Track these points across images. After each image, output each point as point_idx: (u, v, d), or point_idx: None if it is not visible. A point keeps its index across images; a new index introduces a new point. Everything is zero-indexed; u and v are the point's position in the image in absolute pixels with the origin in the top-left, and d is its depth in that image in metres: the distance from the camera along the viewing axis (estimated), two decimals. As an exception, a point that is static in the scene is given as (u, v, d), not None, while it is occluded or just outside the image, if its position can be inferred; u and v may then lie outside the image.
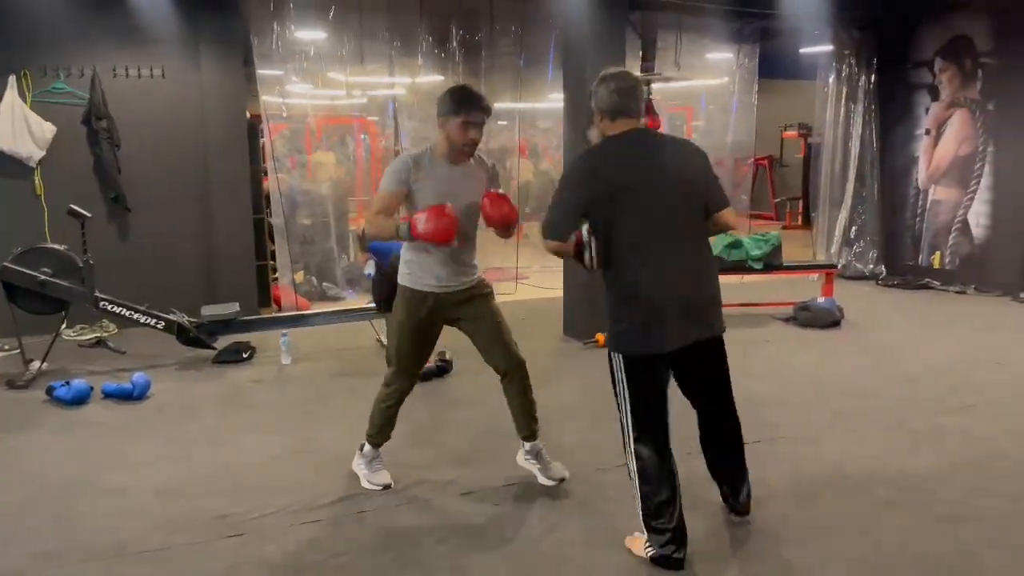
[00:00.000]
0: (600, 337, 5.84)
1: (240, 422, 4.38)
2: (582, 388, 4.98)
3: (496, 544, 2.98)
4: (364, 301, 7.37)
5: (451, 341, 3.87)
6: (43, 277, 5.04)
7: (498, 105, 9.61)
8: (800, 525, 3.12)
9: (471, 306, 3.36)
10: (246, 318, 5.91)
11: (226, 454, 3.91)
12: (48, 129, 6.11)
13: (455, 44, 7.99)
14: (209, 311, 5.77)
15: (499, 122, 9.85)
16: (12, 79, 5.98)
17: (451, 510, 3.29)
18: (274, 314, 6.87)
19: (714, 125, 10.39)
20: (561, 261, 6.59)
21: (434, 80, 8.53)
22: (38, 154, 6.11)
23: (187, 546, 2.99)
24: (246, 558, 2.89)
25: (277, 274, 7.49)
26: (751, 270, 6.64)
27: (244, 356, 5.57)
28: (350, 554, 2.92)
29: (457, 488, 3.47)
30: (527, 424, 3.48)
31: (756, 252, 6.60)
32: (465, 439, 4.11)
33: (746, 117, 9.74)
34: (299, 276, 7.81)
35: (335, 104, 8.49)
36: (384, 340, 5.90)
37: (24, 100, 6.04)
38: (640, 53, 8.09)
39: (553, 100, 9.18)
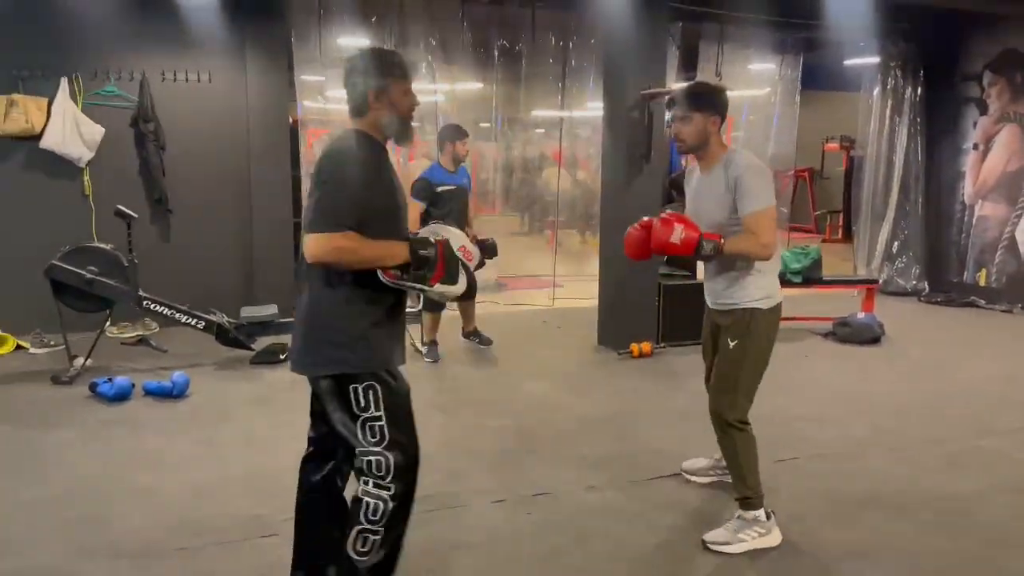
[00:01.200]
0: (635, 347, 5.81)
1: (275, 423, 4.42)
2: (615, 398, 4.95)
3: (528, 554, 2.97)
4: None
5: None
6: (89, 275, 5.15)
7: (537, 113, 9.65)
8: (837, 545, 3.06)
9: None
10: (284, 320, 5.98)
11: (260, 455, 3.95)
12: (97, 131, 6.26)
13: (495, 52, 8.02)
14: (248, 312, 5.86)
15: (536, 130, 9.88)
16: (64, 82, 6.14)
17: (484, 519, 3.28)
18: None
19: (755, 136, 10.28)
20: (596, 270, 6.58)
21: (473, 88, 8.58)
22: (87, 155, 6.27)
23: (220, 545, 3.03)
24: (278, 559, 2.90)
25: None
26: (789, 283, 6.55)
27: (281, 358, 5.63)
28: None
29: (489, 496, 3.46)
30: None
31: (795, 265, 6.51)
32: (496, 447, 4.10)
33: (787, 129, 9.62)
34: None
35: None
36: (419, 345, 5.94)
37: (75, 103, 6.20)
38: (678, 63, 8.06)
39: (591, 109, 9.18)
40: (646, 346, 5.83)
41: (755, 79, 9.48)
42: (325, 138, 7.94)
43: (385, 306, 2.39)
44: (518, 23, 7.83)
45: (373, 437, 2.36)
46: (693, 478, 3.60)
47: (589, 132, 10.12)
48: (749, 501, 3.03)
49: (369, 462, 2.36)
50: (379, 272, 2.32)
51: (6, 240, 6.16)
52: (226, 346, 5.61)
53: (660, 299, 6.03)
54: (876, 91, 8.75)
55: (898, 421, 4.49)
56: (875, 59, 8.69)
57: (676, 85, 7.20)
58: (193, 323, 5.50)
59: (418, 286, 2.35)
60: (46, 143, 6.09)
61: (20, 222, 6.16)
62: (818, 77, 9.89)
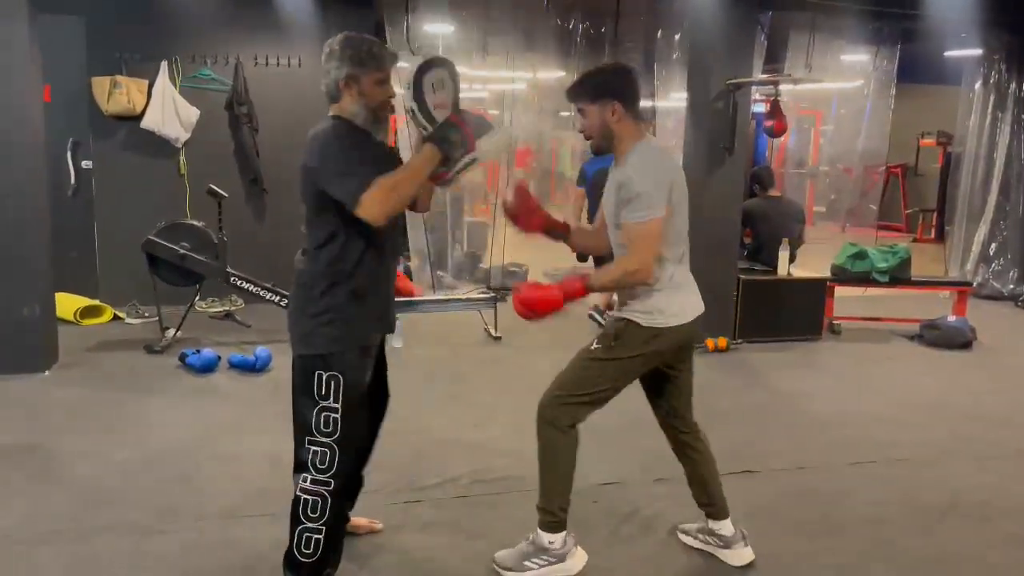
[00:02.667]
0: (710, 342, 5.72)
1: (351, 400, 4.55)
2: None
3: (595, 540, 2.98)
4: (475, 290, 7.51)
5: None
6: (182, 251, 5.39)
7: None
8: (915, 553, 2.97)
9: None
10: (362, 300, 6.13)
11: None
12: (193, 113, 6.52)
13: (579, 39, 7.98)
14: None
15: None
16: (164, 65, 6.42)
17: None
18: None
19: (844, 130, 9.96)
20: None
21: (554, 75, 8.56)
22: (184, 136, 6.54)
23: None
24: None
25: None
26: (876, 283, 6.34)
27: (358, 337, 5.77)
28: (446, 537, 2.99)
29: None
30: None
31: (882, 264, 6.29)
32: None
33: (880, 123, 9.28)
34: (415, 263, 8.02)
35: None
36: (493, 332, 6.01)
37: (174, 85, 6.47)
38: (765, 54, 7.85)
39: (675, 99, 9.04)
40: (722, 341, 5.74)
41: (847, 71, 9.16)
42: (404, 126, 8.08)
43: (369, 281, 2.39)
44: (603, 11, 7.76)
45: (326, 428, 2.35)
46: (683, 537, 3.03)
47: (673, 123, 9.98)
48: (548, 520, 2.69)
49: (315, 452, 2.36)
50: (432, 180, 2.38)
51: (107, 215, 6.49)
52: (307, 324, 5.78)
53: (738, 293, 5.92)
54: (977, 85, 8.33)
55: (985, 429, 4.31)
56: (977, 52, 8.27)
57: (762, 75, 7.03)
58: (277, 300, 5.69)
59: (469, 159, 2.35)
60: (146, 123, 6.38)
61: (120, 198, 6.48)
62: (915, 69, 9.49)
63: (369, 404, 2.61)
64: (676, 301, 2.62)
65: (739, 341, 5.88)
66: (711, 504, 2.87)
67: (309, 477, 2.37)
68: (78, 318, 5.92)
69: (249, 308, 6.39)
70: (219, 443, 3.85)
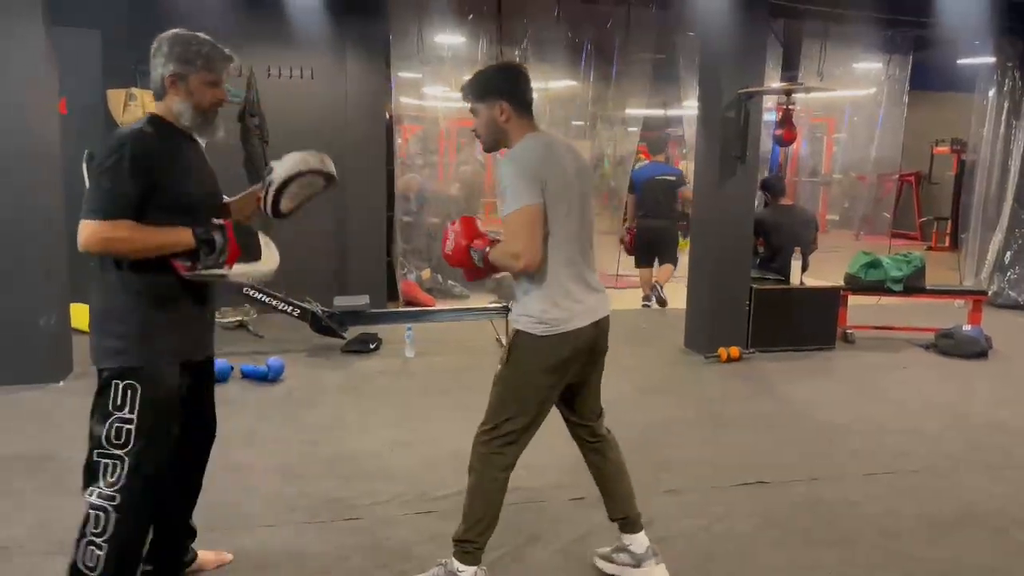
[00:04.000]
0: (723, 351, 5.70)
1: (363, 410, 4.56)
2: (701, 402, 4.87)
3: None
4: (486, 300, 7.52)
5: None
6: (195, 261, 5.42)
7: (630, 111, 9.56)
8: (929, 564, 2.94)
9: None
10: (375, 310, 6.16)
11: (348, 440, 4.08)
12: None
13: (589, 49, 8.00)
14: (341, 302, 6.05)
15: (629, 129, 9.80)
16: (178, 77, 6.47)
17: (562, 515, 3.30)
18: (400, 308, 7.12)
19: (858, 138, 9.92)
20: (686, 272, 6.50)
21: (566, 84, 8.58)
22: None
23: (304, 525, 3.14)
24: (360, 542, 3.01)
25: (405, 270, 7.75)
26: (890, 292, 6.30)
27: (371, 347, 5.80)
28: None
29: (567, 493, 3.47)
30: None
31: (896, 273, 6.25)
32: (574, 444, 4.09)
33: (893, 131, 9.24)
34: (426, 273, 8.05)
35: (466, 107, 8.68)
36: (504, 339, 6.01)
37: (187, 97, 6.52)
38: (781, 62, 7.86)
39: (685, 107, 9.04)
40: (734, 350, 5.71)
41: (860, 79, 9.14)
42: (414, 135, 8.12)
43: (169, 294, 2.29)
44: (614, 20, 7.78)
45: (118, 439, 2.24)
46: (600, 563, 2.88)
47: (682, 131, 9.98)
48: (464, 549, 2.58)
49: (104, 465, 2.25)
50: (173, 266, 2.24)
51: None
52: (319, 334, 5.81)
53: (751, 303, 5.90)
54: (991, 93, 8.28)
55: (1000, 439, 4.26)
56: (991, 59, 8.23)
57: (775, 84, 7.02)
58: (289, 310, 5.72)
59: (215, 272, 2.24)
60: (160, 135, 6.43)
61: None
62: (928, 77, 9.46)
63: (186, 433, 2.48)
64: (563, 306, 2.47)
65: (752, 350, 5.85)
66: (624, 517, 2.77)
67: (95, 491, 2.25)
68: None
69: (261, 319, 6.41)
70: (231, 453, 3.84)
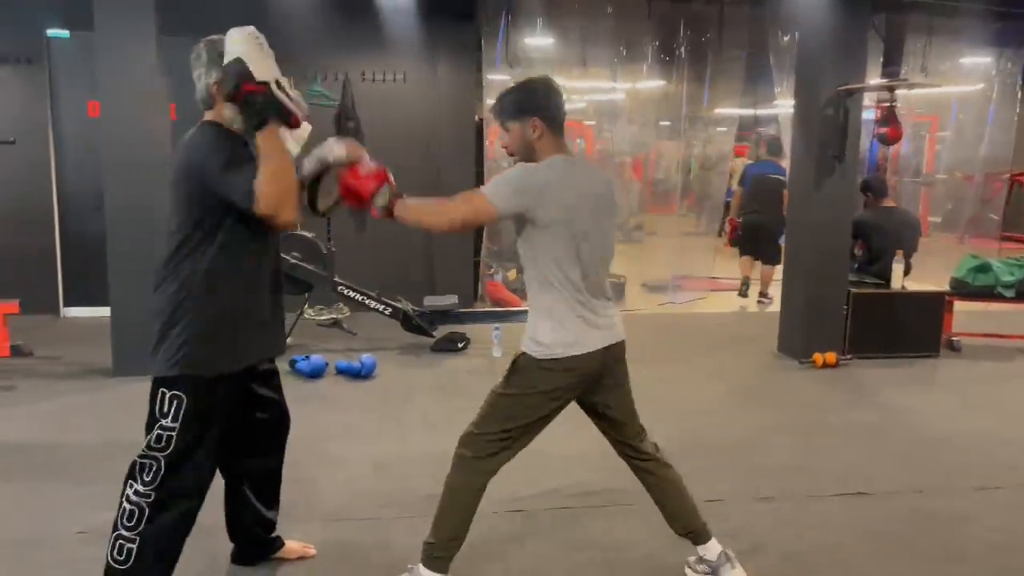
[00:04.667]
0: (818, 357, 5.52)
1: (453, 408, 4.61)
2: (795, 409, 4.73)
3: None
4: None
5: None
6: (293, 260, 5.61)
7: (720, 111, 9.39)
8: (1045, 587, 2.78)
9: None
10: (463, 310, 6.24)
11: (438, 438, 4.13)
12: (305, 128, 6.77)
13: (681, 49, 7.89)
14: (430, 301, 6.15)
15: (719, 128, 9.62)
16: (278, 83, 6.71)
17: (651, 518, 3.25)
18: (487, 308, 7.18)
19: (965, 136, 9.46)
20: (781, 274, 6.33)
21: (655, 85, 8.49)
22: (295, 150, 6.73)
23: (397, 520, 3.20)
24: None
25: (492, 270, 7.82)
26: (1001, 298, 5.97)
27: (459, 346, 5.87)
28: (547, 547, 2.99)
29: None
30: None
31: (1008, 278, 5.92)
32: (667, 449, 4.04)
33: (1004, 128, 8.77)
34: (512, 274, 8.09)
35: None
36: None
37: (287, 102, 6.75)
38: (882, 58, 7.56)
39: (778, 106, 8.81)
40: (830, 356, 5.53)
41: (968, 74, 8.70)
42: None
43: (226, 305, 2.30)
44: (705, 19, 7.66)
45: (158, 444, 2.28)
46: (688, 572, 2.84)
47: (773, 130, 9.73)
48: (432, 556, 2.54)
49: (142, 465, 2.29)
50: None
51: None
52: (409, 332, 5.92)
53: (849, 307, 5.70)
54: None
55: None
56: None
57: (876, 80, 6.76)
58: (381, 309, 5.85)
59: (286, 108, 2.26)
60: (260, 139, 6.68)
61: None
62: (1044, 71, 8.92)
63: (259, 431, 2.59)
64: (568, 332, 2.44)
65: (849, 356, 5.64)
66: (691, 531, 2.72)
67: (134, 487, 2.30)
68: (197, 324, 6.24)
69: (354, 316, 6.58)
70: (327, 447, 3.98)
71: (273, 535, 2.81)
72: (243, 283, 2.35)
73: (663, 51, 7.91)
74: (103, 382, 4.93)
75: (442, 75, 7.00)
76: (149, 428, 2.31)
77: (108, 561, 2.31)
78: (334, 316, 6.63)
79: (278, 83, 2.29)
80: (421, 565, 2.56)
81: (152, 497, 2.28)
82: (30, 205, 6.66)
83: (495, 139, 7.92)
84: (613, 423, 2.69)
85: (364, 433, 4.17)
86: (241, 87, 2.19)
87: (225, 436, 2.47)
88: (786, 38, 7.77)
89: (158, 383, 2.30)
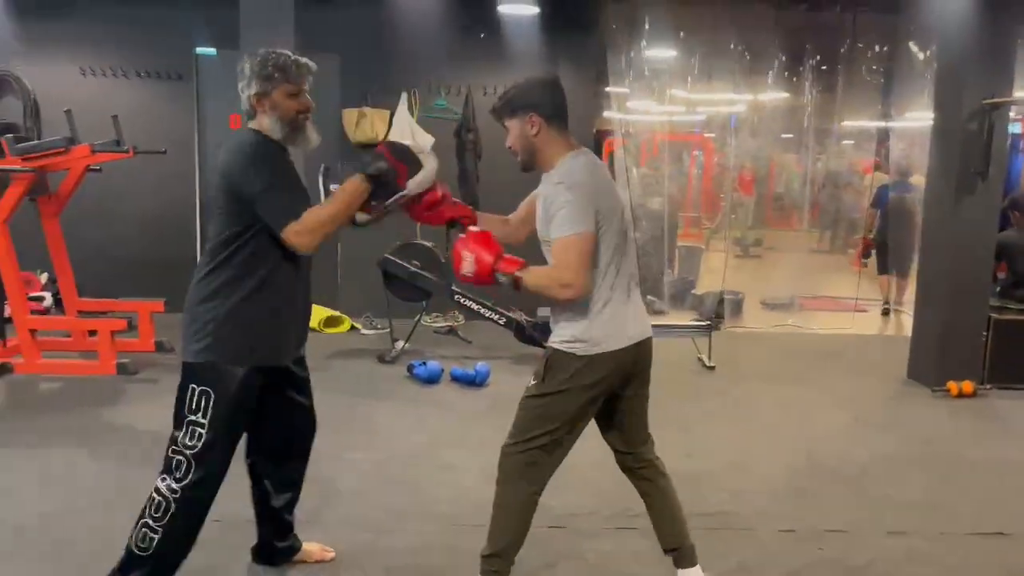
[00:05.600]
0: (953, 385, 5.20)
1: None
2: (928, 440, 4.47)
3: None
4: (687, 317, 7.38)
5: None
6: (413, 269, 5.78)
7: (847, 124, 9.02)
8: None
9: None
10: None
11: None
12: (428, 140, 6.97)
13: (810, 60, 7.65)
14: (545, 312, 6.17)
15: (845, 141, 9.25)
16: (404, 96, 6.95)
17: (769, 546, 3.16)
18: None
19: None
20: (903, 296, 6.01)
21: (779, 97, 8.25)
22: (420, 186, 7.00)
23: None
24: (563, 550, 3.05)
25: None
26: None
27: (571, 359, 5.87)
28: (659, 568, 2.94)
29: (776, 523, 3.32)
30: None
31: None
32: (786, 473, 3.91)
33: None
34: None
35: (675, 120, 8.59)
36: (707, 360, 5.87)
37: (412, 114, 6.98)
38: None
39: (911, 119, 8.39)
40: (967, 385, 5.19)
41: None
42: (620, 149, 8.13)
43: (255, 302, 2.36)
44: (836, 29, 7.39)
45: (191, 440, 2.35)
46: None
47: (903, 144, 9.29)
48: (491, 567, 2.52)
49: (177, 462, 2.37)
50: (359, 215, 2.36)
51: (349, 233, 7.07)
52: (522, 343, 5.96)
53: (989, 333, 5.34)
54: None
55: None
56: None
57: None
58: (495, 319, 5.93)
59: (400, 195, 2.33)
60: (385, 150, 6.92)
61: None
62: None
63: (286, 430, 2.65)
64: (607, 327, 2.40)
65: (988, 386, 5.29)
66: (675, 548, 2.65)
67: (168, 479, 2.39)
68: (321, 327, 6.53)
69: (469, 325, 6.69)
70: (441, 452, 4.06)
71: (289, 540, 2.85)
72: (275, 287, 2.42)
73: (790, 62, 7.68)
74: None
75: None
76: (178, 421, 2.39)
77: (130, 546, 2.41)
78: (450, 324, 6.77)
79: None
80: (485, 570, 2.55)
81: (180, 494, 2.37)
82: (175, 212, 7.13)
83: (610, 150, 7.91)
84: (626, 426, 2.64)
85: (477, 441, 4.23)
86: (386, 154, 2.37)
87: (256, 435, 2.61)
88: (924, 48, 7.40)
89: (187, 377, 2.40)
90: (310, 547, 2.91)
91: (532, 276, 2.37)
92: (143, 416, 4.43)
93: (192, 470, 2.37)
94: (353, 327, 6.76)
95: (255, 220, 2.33)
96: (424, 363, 5.29)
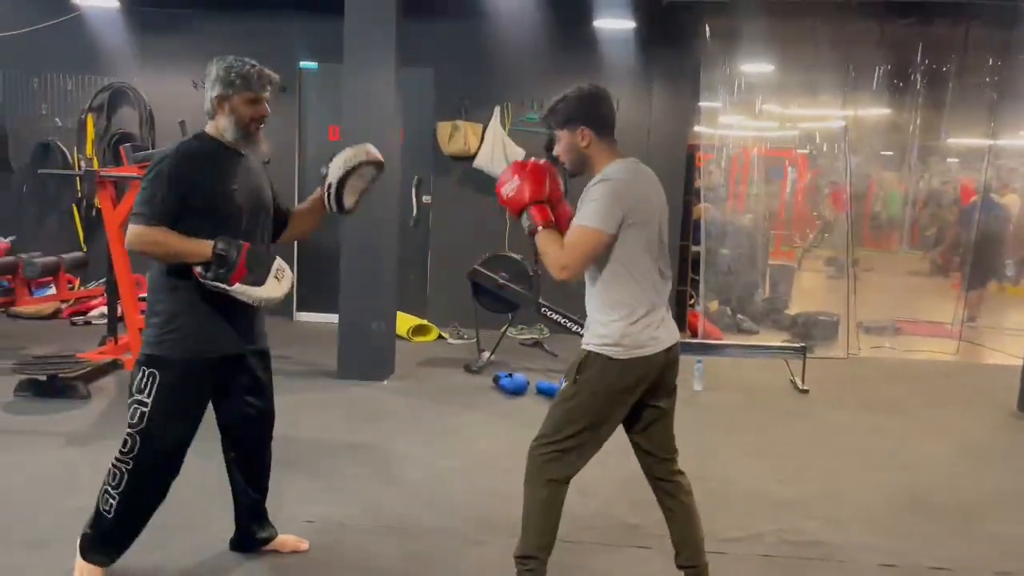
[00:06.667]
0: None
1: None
2: (1038, 476, 4.23)
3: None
4: (780, 338, 7.19)
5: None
6: (502, 280, 5.83)
7: (953, 141, 8.63)
8: None
9: None
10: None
11: (635, 466, 3.97)
12: (519, 154, 7.04)
13: (917, 75, 7.36)
14: (631, 328, 6.12)
15: (950, 159, 8.85)
16: (497, 110, 7.04)
17: (866, 578, 3.05)
18: (689, 340, 7.03)
19: None
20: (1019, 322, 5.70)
21: (881, 113, 7.97)
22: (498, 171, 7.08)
23: (595, 545, 3.20)
24: (651, 570, 3.02)
25: (693, 300, 7.66)
26: None
27: (657, 375, 5.80)
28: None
29: (876, 556, 3.20)
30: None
31: None
32: (885, 504, 3.76)
33: None
34: (713, 305, 7.88)
35: (768, 136, 8.41)
36: (800, 383, 5.70)
37: (503, 128, 7.06)
38: None
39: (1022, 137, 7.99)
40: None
41: None
42: (711, 164, 8.01)
43: (201, 294, 2.53)
44: (946, 42, 7.10)
45: (132, 419, 2.56)
46: None
47: (1015, 163, 8.84)
48: (525, 567, 2.57)
49: (125, 438, 2.58)
50: (193, 268, 2.49)
51: (440, 244, 7.23)
52: (608, 358, 5.93)
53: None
54: None
55: None
56: None
57: None
58: (581, 332, 5.90)
59: (219, 285, 2.46)
60: (477, 163, 7.02)
61: (451, 230, 7.18)
62: None
63: (243, 418, 2.79)
64: (643, 332, 2.47)
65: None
66: (692, 566, 2.67)
67: (116, 452, 2.60)
68: (410, 335, 6.65)
69: (554, 338, 6.70)
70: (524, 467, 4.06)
71: (263, 527, 2.99)
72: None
73: (896, 77, 7.41)
74: (329, 383, 5.37)
75: (656, 102, 7.01)
76: (128, 399, 2.61)
77: (97, 508, 2.64)
78: (535, 336, 6.79)
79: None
80: (518, 567, 2.60)
81: (129, 465, 2.59)
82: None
83: (703, 164, 7.78)
84: (654, 433, 2.65)
85: (564, 455, 4.22)
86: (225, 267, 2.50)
87: (222, 423, 2.81)
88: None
89: (140, 361, 2.61)
90: (285, 538, 3.04)
91: (546, 239, 2.51)
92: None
93: (136, 446, 2.58)
94: (440, 336, 6.86)
95: (187, 215, 2.50)
96: (511, 375, 5.32)
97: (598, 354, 2.49)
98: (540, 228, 2.51)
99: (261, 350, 2.81)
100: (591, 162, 2.56)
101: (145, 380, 2.57)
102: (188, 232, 2.50)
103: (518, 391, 5.24)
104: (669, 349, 2.54)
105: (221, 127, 2.61)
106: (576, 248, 2.44)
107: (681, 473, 2.71)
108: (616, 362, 2.47)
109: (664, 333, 2.53)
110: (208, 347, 2.62)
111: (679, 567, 2.72)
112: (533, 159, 2.65)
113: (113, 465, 2.62)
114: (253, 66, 2.61)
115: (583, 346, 2.55)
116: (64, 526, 2.90)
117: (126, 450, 2.60)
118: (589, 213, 2.44)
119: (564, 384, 2.59)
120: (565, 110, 2.56)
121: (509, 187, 2.57)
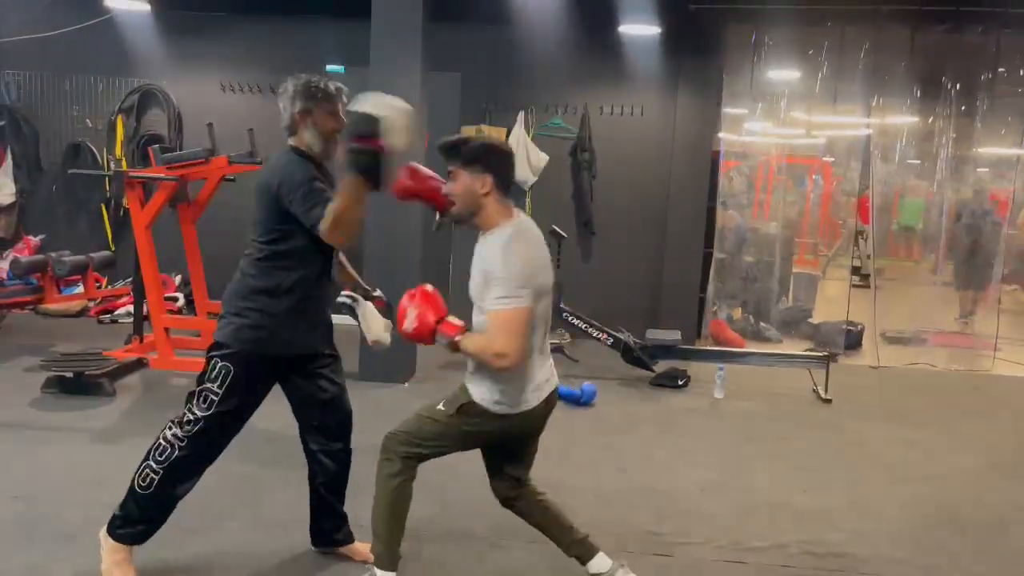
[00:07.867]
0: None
1: (672, 446, 4.54)
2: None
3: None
4: (802, 347, 7.12)
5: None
6: (523, 285, 5.82)
7: (983, 150, 8.51)
8: None
9: None
10: (686, 347, 6.12)
11: (657, 473, 4.09)
12: (543, 158, 7.05)
13: (949, 84, 7.28)
14: (653, 335, 6.09)
15: (980, 169, 8.72)
16: (521, 114, 7.04)
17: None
18: (710, 347, 6.99)
19: None
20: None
21: (909, 121, 7.88)
22: (531, 180, 7.09)
23: (613, 553, 3.16)
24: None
25: (716, 308, 7.61)
26: None
27: (679, 383, 5.77)
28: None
29: (905, 570, 3.15)
30: None
31: None
32: (912, 518, 3.71)
33: None
34: (736, 312, 7.84)
35: (793, 143, 8.35)
36: (823, 392, 5.64)
37: (527, 132, 7.06)
38: None
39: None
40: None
41: None
42: (734, 171, 7.97)
43: (292, 299, 2.64)
44: (978, 50, 7.01)
45: (203, 403, 2.65)
46: None
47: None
48: (380, 560, 2.64)
49: (188, 418, 2.66)
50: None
51: (461, 248, 7.22)
52: (629, 364, 5.91)
53: None
54: None
55: None
56: None
57: None
58: (602, 339, 5.89)
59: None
60: (500, 167, 7.02)
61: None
62: None
63: (325, 414, 2.91)
64: (527, 388, 2.53)
65: None
66: (570, 546, 2.78)
67: (175, 429, 2.67)
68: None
69: (576, 343, 6.68)
70: (546, 470, 4.02)
71: (341, 528, 3.05)
72: (299, 290, 2.68)
73: (926, 85, 7.33)
74: (350, 385, 5.14)
75: (681, 108, 6.98)
76: (199, 384, 2.69)
77: (133, 483, 2.69)
78: (556, 341, 6.77)
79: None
80: (374, 567, 2.66)
81: (184, 442, 2.66)
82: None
83: (726, 172, 7.73)
84: (519, 459, 2.77)
85: (581, 461, 4.21)
86: (353, 139, 2.43)
87: (302, 418, 2.90)
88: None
89: (213, 350, 2.69)
90: (360, 546, 3.04)
91: (471, 343, 2.46)
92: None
93: (197, 427, 2.66)
94: (462, 340, 6.85)
95: (291, 230, 2.59)
96: (532, 379, 5.31)
97: (480, 406, 2.53)
98: (458, 339, 2.48)
99: (332, 353, 2.94)
100: (483, 213, 2.51)
101: (219, 371, 2.66)
102: (290, 248, 2.63)
103: (539, 396, 5.22)
104: (547, 398, 2.62)
105: (308, 141, 2.69)
106: (508, 333, 2.38)
107: (530, 482, 2.83)
108: (495, 415, 2.54)
109: (543, 385, 2.60)
110: (283, 348, 2.73)
111: (570, 555, 2.82)
112: (420, 288, 2.67)
113: (165, 440, 2.69)
114: (331, 82, 2.71)
115: (467, 386, 2.57)
116: (91, 521, 2.93)
117: (184, 432, 2.67)
118: (501, 290, 2.39)
119: (440, 407, 2.60)
120: (473, 152, 2.49)
121: (410, 320, 2.56)
